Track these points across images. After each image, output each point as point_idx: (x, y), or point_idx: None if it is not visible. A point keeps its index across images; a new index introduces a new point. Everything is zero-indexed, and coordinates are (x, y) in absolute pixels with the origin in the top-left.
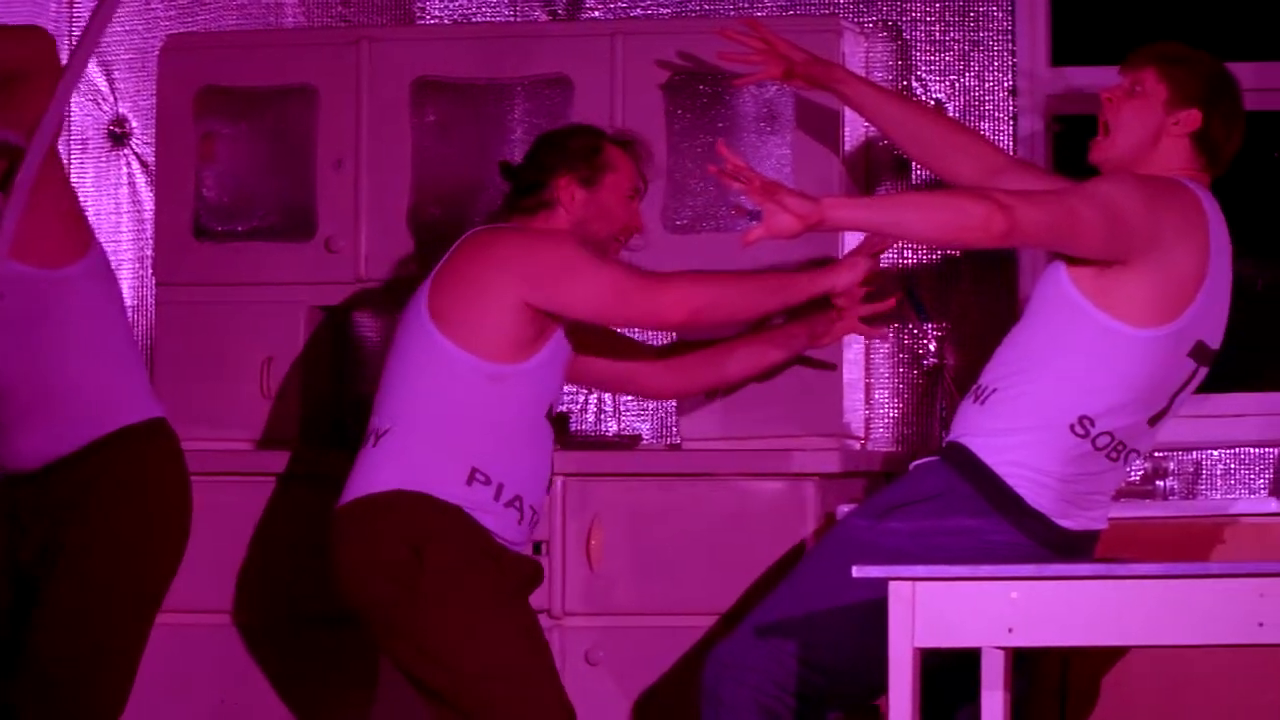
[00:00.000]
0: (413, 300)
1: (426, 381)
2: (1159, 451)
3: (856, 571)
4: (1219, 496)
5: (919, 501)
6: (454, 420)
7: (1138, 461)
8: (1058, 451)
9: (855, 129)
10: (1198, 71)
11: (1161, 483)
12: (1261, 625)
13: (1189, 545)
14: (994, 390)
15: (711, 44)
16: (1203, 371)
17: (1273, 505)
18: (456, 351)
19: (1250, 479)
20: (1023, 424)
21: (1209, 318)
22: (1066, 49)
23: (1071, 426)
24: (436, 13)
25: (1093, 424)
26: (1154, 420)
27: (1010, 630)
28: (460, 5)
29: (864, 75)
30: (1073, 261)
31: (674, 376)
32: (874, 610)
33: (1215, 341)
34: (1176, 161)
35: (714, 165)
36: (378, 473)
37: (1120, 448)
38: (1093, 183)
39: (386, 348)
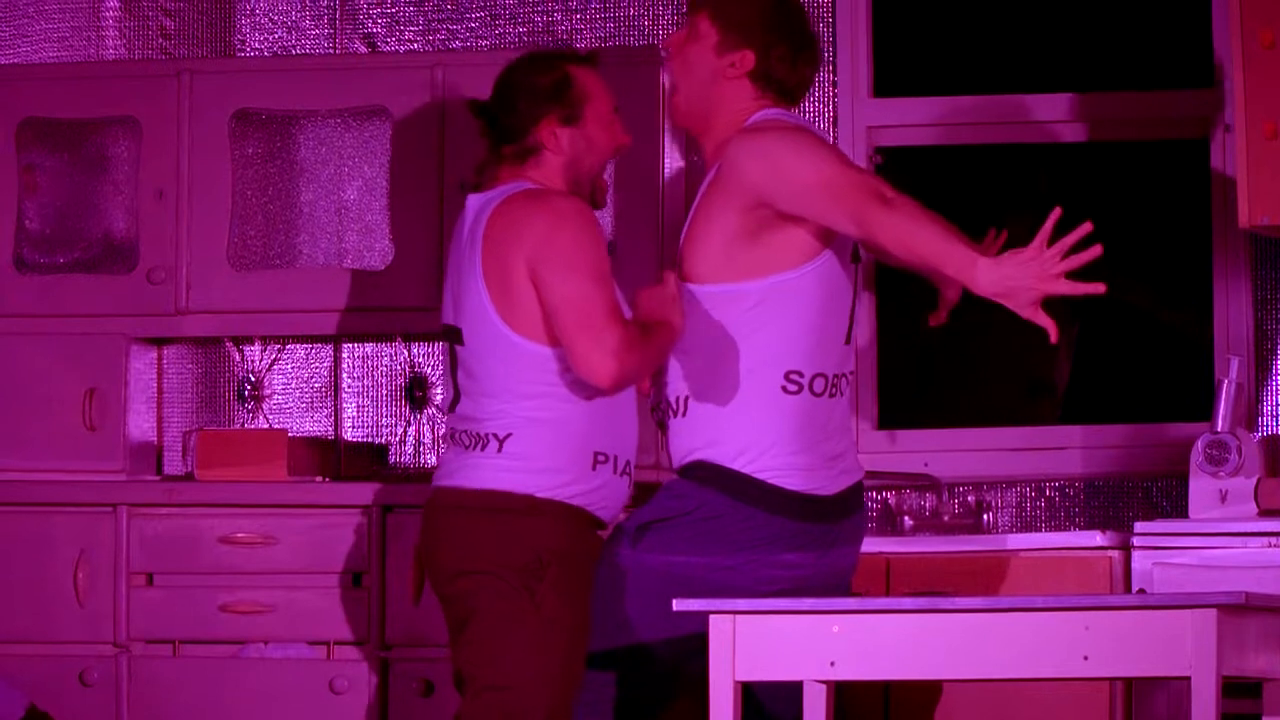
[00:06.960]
0: None
1: None
2: (985, 485)
3: (677, 605)
4: (1043, 530)
5: (677, 517)
6: None
7: (847, 389)
8: (783, 422)
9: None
10: (748, 10)
11: (986, 516)
12: (1087, 659)
13: (1014, 579)
14: (686, 397)
15: None
16: (858, 268)
17: (1096, 538)
18: None
19: (1074, 512)
20: (734, 409)
21: None
22: (888, 80)
23: (783, 387)
24: (256, 45)
25: (801, 374)
26: (848, 338)
27: (833, 664)
28: (279, 38)
29: None
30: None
31: None
32: (665, 644)
33: None
34: (744, 102)
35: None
36: None
37: (835, 383)
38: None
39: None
